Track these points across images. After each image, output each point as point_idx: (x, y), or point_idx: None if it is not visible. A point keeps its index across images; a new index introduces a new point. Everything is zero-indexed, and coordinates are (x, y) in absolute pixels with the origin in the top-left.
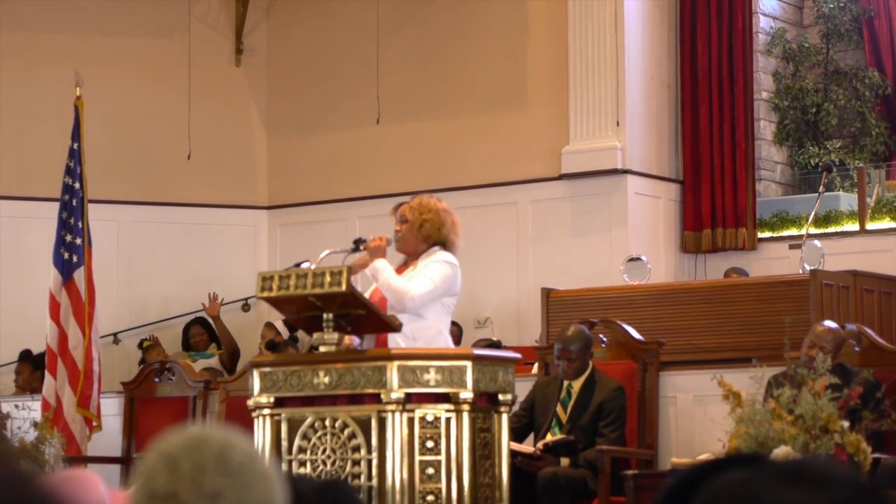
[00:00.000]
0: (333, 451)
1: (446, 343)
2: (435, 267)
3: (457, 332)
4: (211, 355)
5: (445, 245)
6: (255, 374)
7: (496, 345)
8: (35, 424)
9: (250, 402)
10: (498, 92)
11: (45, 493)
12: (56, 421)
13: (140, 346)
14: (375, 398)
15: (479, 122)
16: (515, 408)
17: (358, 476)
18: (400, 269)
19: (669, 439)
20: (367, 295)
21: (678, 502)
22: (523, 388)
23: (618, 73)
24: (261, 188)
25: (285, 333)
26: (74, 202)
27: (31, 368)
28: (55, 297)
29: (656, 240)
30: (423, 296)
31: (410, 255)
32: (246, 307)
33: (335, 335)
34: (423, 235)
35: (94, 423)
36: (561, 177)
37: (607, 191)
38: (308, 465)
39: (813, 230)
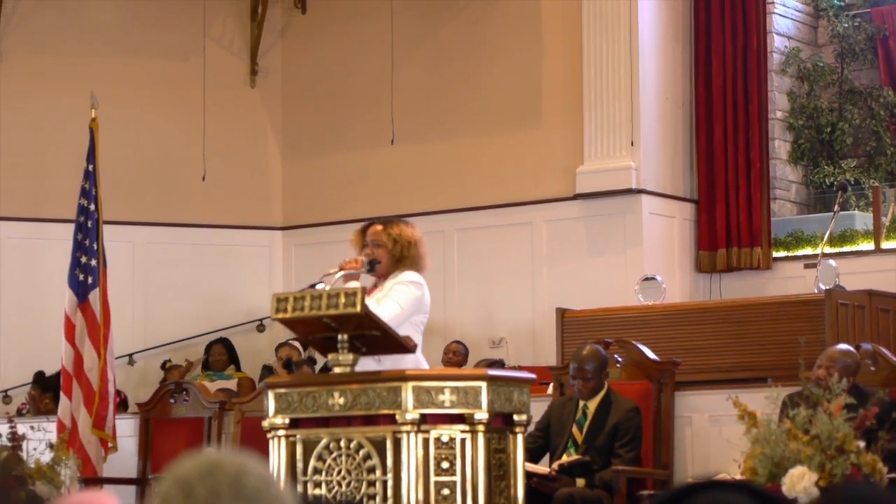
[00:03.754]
0: (349, 472)
1: (415, 363)
2: (401, 290)
3: (463, 352)
4: (230, 377)
5: (419, 271)
6: (270, 395)
7: (498, 363)
8: (51, 446)
9: (265, 423)
10: (512, 112)
11: None
12: (71, 442)
13: (163, 366)
14: (390, 419)
15: (494, 142)
16: (531, 428)
17: (373, 497)
18: (370, 290)
19: (685, 459)
20: None
21: None
22: (538, 408)
23: (632, 93)
24: (275, 209)
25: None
26: (90, 223)
27: (41, 390)
28: (70, 318)
29: (671, 259)
30: (391, 320)
31: (382, 277)
32: (261, 328)
33: (350, 356)
34: (400, 267)
35: (110, 445)
36: (575, 196)
37: (622, 210)
38: (323, 486)
39: (828, 249)
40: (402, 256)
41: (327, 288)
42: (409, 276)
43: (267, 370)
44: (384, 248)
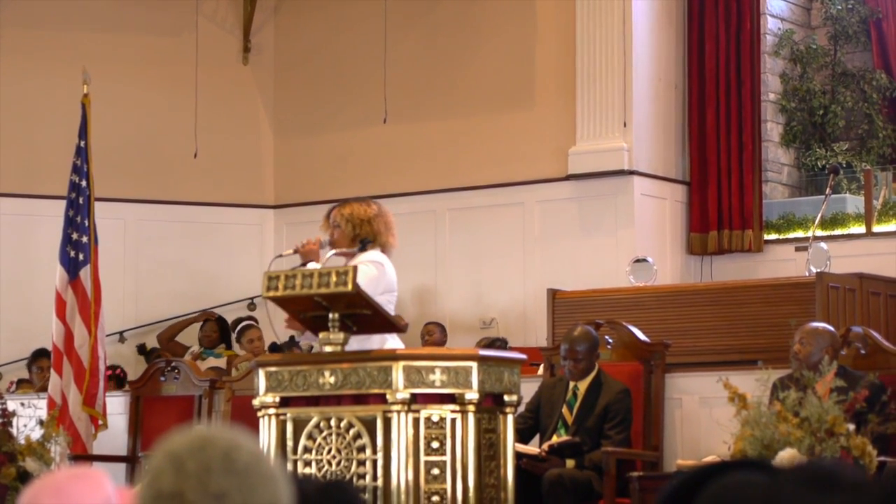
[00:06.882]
0: (339, 451)
1: (381, 342)
2: (359, 269)
3: (439, 335)
4: (220, 355)
5: (382, 248)
6: (261, 374)
7: (501, 341)
8: (41, 422)
9: (256, 402)
10: (505, 92)
11: None
12: (62, 419)
13: (141, 351)
14: (381, 398)
15: (487, 122)
16: (521, 409)
17: (363, 476)
18: None
19: (675, 441)
20: None
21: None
22: (529, 389)
23: (625, 74)
24: (267, 187)
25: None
26: (81, 200)
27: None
28: (61, 295)
29: (662, 241)
30: None
31: (347, 257)
32: (252, 306)
33: (341, 335)
34: (355, 245)
35: (100, 422)
36: (568, 177)
37: (614, 192)
38: (313, 465)
39: (819, 232)
40: (356, 235)
41: (318, 266)
42: (369, 255)
43: (274, 347)
44: (339, 228)
